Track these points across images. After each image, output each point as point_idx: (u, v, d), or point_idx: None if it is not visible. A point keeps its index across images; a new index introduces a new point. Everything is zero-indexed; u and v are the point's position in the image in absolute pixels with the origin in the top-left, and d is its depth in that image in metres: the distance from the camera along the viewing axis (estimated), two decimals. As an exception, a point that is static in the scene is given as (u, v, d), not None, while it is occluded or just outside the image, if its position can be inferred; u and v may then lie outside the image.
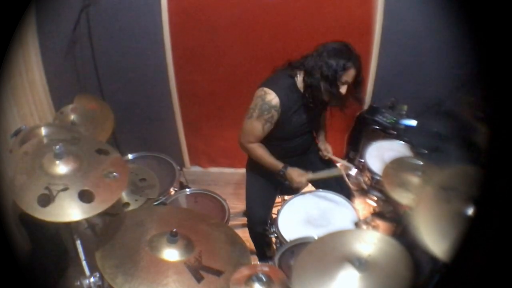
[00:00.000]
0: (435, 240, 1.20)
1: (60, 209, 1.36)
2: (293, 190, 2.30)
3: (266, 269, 1.40)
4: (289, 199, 2.13)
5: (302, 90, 1.99)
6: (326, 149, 2.26)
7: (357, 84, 1.95)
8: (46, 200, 1.37)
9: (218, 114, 3.02)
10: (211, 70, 2.85)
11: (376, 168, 2.31)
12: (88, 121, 2.23)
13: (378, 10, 2.57)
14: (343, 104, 2.02)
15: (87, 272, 1.58)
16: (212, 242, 1.59)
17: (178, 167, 2.41)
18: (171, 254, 1.45)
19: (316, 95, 1.94)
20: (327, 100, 1.97)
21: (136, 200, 1.90)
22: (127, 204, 1.88)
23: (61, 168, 1.47)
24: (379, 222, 2.26)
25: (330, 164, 2.30)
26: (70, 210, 1.37)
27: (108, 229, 1.55)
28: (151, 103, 3.00)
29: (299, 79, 1.99)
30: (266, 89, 1.95)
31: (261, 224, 2.13)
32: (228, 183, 3.18)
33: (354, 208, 2.04)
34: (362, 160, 2.47)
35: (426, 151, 2.28)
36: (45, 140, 1.66)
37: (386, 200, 2.29)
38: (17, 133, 1.91)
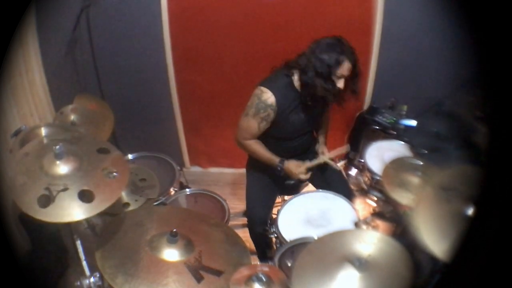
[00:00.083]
0: (435, 240, 1.20)
1: (60, 210, 1.36)
2: (293, 189, 2.31)
3: (266, 269, 1.40)
4: (289, 199, 2.13)
5: (299, 89, 1.99)
6: (323, 152, 2.22)
7: (354, 77, 1.94)
8: (46, 200, 1.37)
9: (218, 114, 3.02)
10: (211, 70, 2.85)
11: (376, 168, 2.31)
12: (88, 121, 2.23)
13: (378, 10, 2.57)
14: (341, 99, 2.01)
15: (87, 272, 1.58)
16: (212, 242, 1.59)
17: (178, 167, 2.41)
18: (171, 254, 1.45)
19: (312, 92, 1.94)
20: (324, 97, 1.95)
21: (136, 200, 1.90)
22: (127, 204, 1.88)
23: (61, 168, 1.47)
24: (379, 222, 2.26)
25: (329, 167, 2.30)
26: (70, 210, 1.37)
27: (108, 229, 1.55)
28: (151, 103, 3.00)
29: (296, 78, 1.99)
30: (262, 88, 1.97)
31: (261, 224, 2.13)
32: (228, 183, 3.18)
33: (354, 208, 2.04)
34: (362, 160, 2.48)
35: (426, 151, 2.28)
36: (45, 141, 1.65)
37: (386, 200, 2.28)
38: (17, 133, 1.91)
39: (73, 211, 1.37)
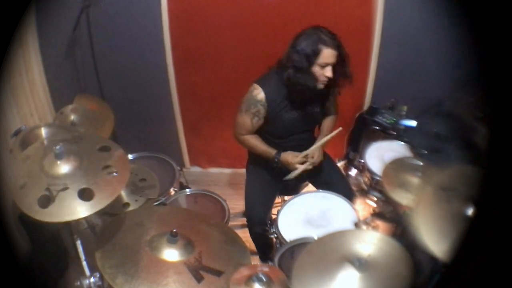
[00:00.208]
0: (435, 240, 1.20)
1: (60, 209, 1.36)
2: (293, 189, 2.32)
3: (266, 269, 1.41)
4: (289, 200, 2.13)
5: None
6: (311, 153, 2.12)
7: (341, 62, 1.93)
8: (46, 201, 1.37)
9: (218, 114, 3.02)
10: (211, 70, 2.85)
11: (376, 169, 2.31)
12: (88, 121, 2.22)
13: (378, 10, 2.57)
14: (335, 86, 2.02)
15: (87, 272, 1.58)
16: (212, 242, 1.59)
17: (178, 168, 2.41)
18: (171, 254, 1.45)
19: (295, 88, 1.94)
20: (306, 90, 1.93)
21: (136, 201, 1.90)
22: (127, 204, 1.88)
23: (62, 168, 1.47)
24: (379, 223, 2.26)
25: (326, 166, 2.30)
26: (70, 209, 1.37)
27: (108, 229, 1.55)
28: (151, 103, 3.00)
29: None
30: (254, 84, 2.01)
31: (260, 225, 2.13)
32: (228, 184, 3.18)
33: (354, 209, 2.04)
34: (362, 161, 2.48)
35: (426, 152, 2.28)
36: (45, 142, 1.66)
37: (386, 200, 2.29)
38: (17, 133, 1.91)
39: (73, 210, 1.37)
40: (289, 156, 2.07)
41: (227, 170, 3.30)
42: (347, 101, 2.37)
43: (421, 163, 1.99)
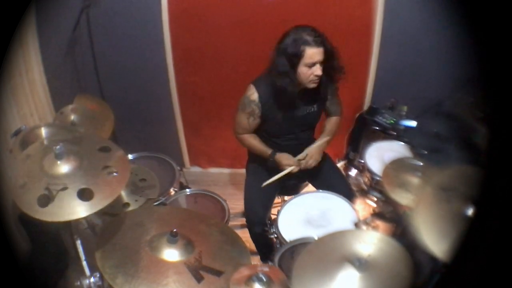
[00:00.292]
0: (435, 240, 1.20)
1: (60, 209, 1.36)
2: (293, 189, 2.31)
3: (266, 269, 1.40)
4: (289, 200, 2.13)
5: None
6: (309, 155, 2.11)
7: (329, 57, 1.91)
8: (45, 200, 1.37)
9: (218, 114, 3.02)
10: (211, 70, 2.85)
11: (376, 169, 2.31)
12: (88, 121, 2.23)
13: (378, 10, 2.57)
14: (331, 81, 2.02)
15: (87, 272, 1.58)
16: (212, 242, 1.59)
17: (178, 168, 2.41)
18: (171, 254, 1.45)
19: (278, 91, 1.95)
20: (289, 93, 1.93)
21: (136, 201, 1.90)
22: (127, 204, 1.88)
23: (62, 168, 1.47)
24: (379, 223, 2.26)
25: (326, 166, 2.30)
26: (70, 209, 1.37)
27: (108, 229, 1.55)
28: (151, 103, 3.00)
29: None
30: (250, 85, 2.03)
31: (260, 225, 2.13)
32: (228, 184, 3.18)
33: (354, 209, 2.04)
34: (362, 161, 2.48)
35: (426, 152, 2.28)
36: (46, 142, 1.66)
37: (386, 200, 2.29)
38: (17, 133, 1.91)
39: (72, 209, 1.37)
40: (282, 158, 2.08)
41: (227, 170, 3.30)
42: (347, 101, 2.37)
43: (421, 163, 1.99)
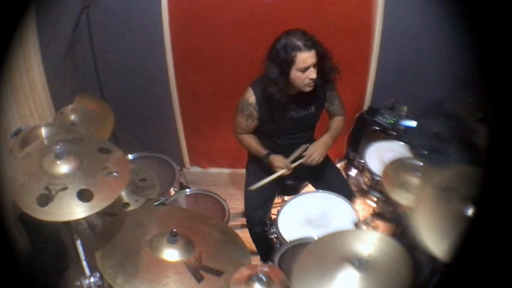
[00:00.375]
0: (435, 240, 1.20)
1: (59, 209, 1.36)
2: (293, 189, 2.31)
3: (266, 269, 1.40)
4: (289, 200, 2.13)
5: None
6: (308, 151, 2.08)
7: (322, 58, 1.91)
8: (45, 200, 1.37)
9: (218, 114, 3.02)
10: (211, 70, 2.85)
11: (376, 169, 2.31)
12: (88, 121, 2.23)
13: (378, 10, 2.57)
14: (329, 82, 2.03)
15: (87, 272, 1.58)
16: (212, 242, 1.59)
17: (178, 168, 2.41)
18: (171, 254, 1.45)
19: (270, 98, 1.96)
20: (280, 101, 1.95)
21: (136, 200, 1.90)
22: (127, 204, 1.88)
23: (62, 168, 1.47)
24: (379, 223, 2.26)
25: (326, 166, 2.31)
26: (69, 210, 1.37)
27: (108, 229, 1.55)
28: (151, 103, 3.00)
29: None
30: (249, 87, 2.05)
31: (260, 225, 2.13)
32: (228, 184, 3.18)
33: (354, 209, 2.04)
34: (362, 161, 2.48)
35: (426, 152, 2.28)
36: (46, 141, 1.66)
37: (386, 200, 2.29)
38: (17, 133, 1.91)
39: (72, 210, 1.37)
40: (275, 160, 2.07)
41: (227, 170, 3.30)
42: (347, 101, 2.36)
43: (421, 163, 1.99)
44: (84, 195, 1.42)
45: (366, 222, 2.12)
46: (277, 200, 2.37)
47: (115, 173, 1.50)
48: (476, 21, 0.87)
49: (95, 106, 2.35)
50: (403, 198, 1.83)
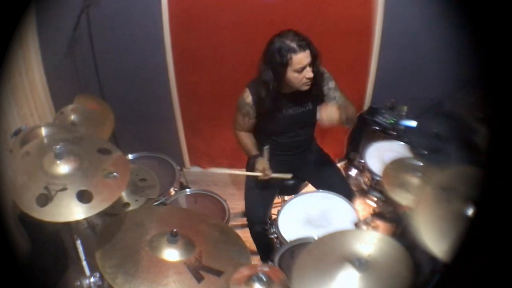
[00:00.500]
0: (435, 240, 1.20)
1: (58, 209, 1.36)
2: (293, 189, 2.31)
3: (266, 269, 1.40)
4: (289, 200, 2.13)
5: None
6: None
7: (315, 58, 1.91)
8: (44, 200, 1.37)
9: (218, 114, 3.02)
10: (211, 70, 2.85)
11: (376, 169, 2.31)
12: (88, 121, 2.23)
13: (378, 10, 2.57)
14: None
15: (87, 272, 1.58)
16: (212, 242, 1.59)
17: (178, 168, 2.41)
18: (171, 254, 1.45)
19: (261, 99, 1.99)
20: (262, 100, 1.97)
21: (136, 200, 1.90)
22: (127, 204, 1.88)
23: (62, 168, 1.47)
24: (379, 223, 2.26)
25: (327, 166, 2.30)
26: (68, 210, 1.37)
27: (108, 229, 1.55)
28: (151, 103, 3.00)
29: None
30: (246, 88, 2.07)
31: (260, 224, 2.13)
32: (228, 183, 3.18)
33: (354, 209, 2.04)
34: (362, 161, 2.47)
35: (426, 152, 2.28)
36: (46, 140, 1.66)
37: (386, 200, 2.29)
38: (17, 133, 1.91)
39: (71, 211, 1.37)
40: (258, 163, 2.10)
41: (227, 170, 3.30)
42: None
43: (421, 163, 1.99)
44: (84, 196, 1.41)
45: (366, 222, 2.11)
46: (277, 200, 2.37)
47: (115, 174, 1.50)
48: (476, 21, 0.87)
49: (95, 106, 2.35)
50: (403, 198, 1.83)
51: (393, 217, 2.25)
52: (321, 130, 2.28)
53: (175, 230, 1.46)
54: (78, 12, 2.54)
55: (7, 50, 1.19)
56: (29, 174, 1.44)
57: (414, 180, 1.90)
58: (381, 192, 2.30)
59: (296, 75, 1.90)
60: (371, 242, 1.38)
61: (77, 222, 1.60)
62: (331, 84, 2.09)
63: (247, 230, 2.23)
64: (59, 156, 1.47)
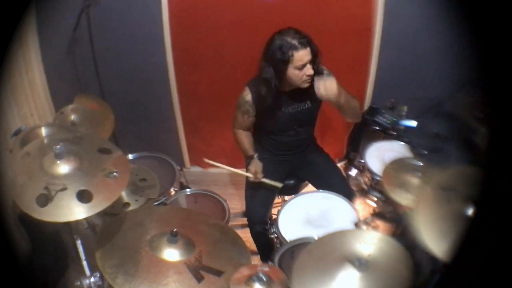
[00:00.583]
0: (435, 240, 1.20)
1: (59, 209, 1.36)
2: (293, 189, 2.31)
3: (266, 269, 1.41)
4: (289, 199, 2.13)
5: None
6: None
7: (315, 56, 1.92)
8: (44, 200, 1.37)
9: (218, 114, 3.01)
10: (211, 70, 2.85)
11: (376, 169, 2.31)
12: (88, 121, 2.23)
13: (378, 10, 2.57)
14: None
15: (87, 272, 1.58)
16: (212, 242, 1.59)
17: (178, 167, 2.41)
18: (171, 254, 1.45)
19: (262, 100, 2.00)
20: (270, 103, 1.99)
21: (136, 200, 1.90)
22: (128, 204, 1.88)
23: (62, 168, 1.47)
24: (379, 223, 2.26)
25: (327, 166, 2.30)
26: (68, 210, 1.37)
27: (108, 229, 1.55)
28: (151, 103, 3.00)
29: None
30: (246, 86, 2.09)
31: (261, 223, 2.14)
32: (228, 183, 3.18)
33: (354, 209, 2.04)
34: (362, 161, 2.47)
35: (426, 152, 2.28)
36: (46, 140, 1.66)
37: (386, 200, 2.28)
38: (17, 133, 1.91)
39: (71, 211, 1.37)
40: (252, 164, 2.15)
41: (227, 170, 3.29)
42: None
43: (421, 163, 1.99)
44: (84, 196, 1.41)
45: (366, 222, 2.11)
46: (277, 200, 2.37)
47: (115, 173, 1.50)
48: (476, 21, 0.87)
49: (95, 106, 2.35)
50: (403, 198, 1.83)
51: (393, 217, 2.25)
52: (321, 130, 2.28)
53: (175, 230, 1.46)
54: (78, 12, 2.54)
55: (7, 50, 1.19)
56: (29, 174, 1.44)
57: (414, 180, 1.90)
58: (381, 192, 2.30)
59: (296, 72, 1.91)
60: (371, 242, 1.38)
61: (77, 222, 1.60)
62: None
63: (247, 230, 2.23)
64: (59, 156, 1.47)
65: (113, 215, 1.70)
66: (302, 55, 1.87)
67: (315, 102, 2.15)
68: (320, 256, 1.40)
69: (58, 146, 1.47)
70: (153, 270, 1.39)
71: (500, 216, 0.82)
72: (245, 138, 2.23)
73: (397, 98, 2.76)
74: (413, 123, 2.63)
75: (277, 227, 1.96)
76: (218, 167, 2.19)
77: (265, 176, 2.16)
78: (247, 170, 2.17)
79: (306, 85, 1.97)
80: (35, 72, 2.55)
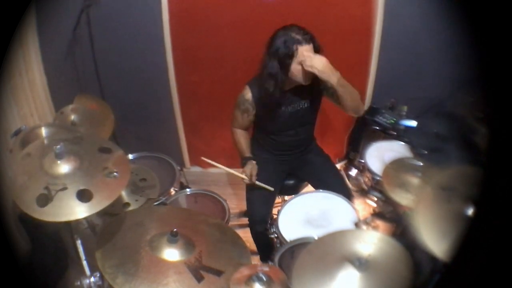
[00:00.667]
0: (435, 240, 1.20)
1: (59, 209, 1.36)
2: (293, 189, 2.31)
3: (266, 269, 1.40)
4: (289, 199, 2.13)
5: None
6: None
7: (317, 51, 1.93)
8: (45, 200, 1.37)
9: (218, 114, 3.01)
10: (212, 70, 2.85)
11: (376, 169, 2.31)
12: (88, 121, 2.23)
13: (378, 10, 2.57)
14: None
15: (87, 272, 1.58)
16: (212, 242, 1.59)
17: (178, 167, 2.41)
18: (171, 254, 1.45)
19: (265, 94, 2.00)
20: (273, 98, 1.98)
21: (136, 200, 1.90)
22: (128, 204, 1.88)
23: (62, 167, 1.47)
24: (379, 223, 2.26)
25: (326, 166, 2.30)
26: (68, 210, 1.37)
27: (108, 229, 1.55)
28: (151, 103, 3.00)
29: None
30: (246, 85, 2.10)
31: (262, 223, 2.14)
32: (228, 183, 3.17)
33: (354, 209, 2.04)
34: (362, 161, 2.48)
35: (426, 152, 2.28)
36: (46, 141, 1.66)
37: (386, 200, 2.29)
38: (17, 133, 1.91)
39: (71, 210, 1.37)
40: (247, 166, 2.16)
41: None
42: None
43: (421, 163, 1.99)
44: (84, 195, 1.41)
45: (366, 222, 2.11)
46: (277, 200, 2.37)
47: (115, 173, 1.50)
48: (476, 21, 0.87)
49: (95, 106, 2.35)
50: (403, 198, 1.83)
51: (393, 217, 2.25)
52: (321, 130, 2.28)
53: (175, 230, 1.46)
54: (78, 12, 2.54)
55: (7, 50, 1.19)
56: (29, 174, 1.44)
57: (414, 180, 1.90)
58: (381, 192, 2.30)
59: (300, 67, 1.92)
60: (371, 242, 1.38)
61: (77, 222, 1.60)
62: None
63: (247, 230, 2.23)
64: (59, 156, 1.47)
65: (113, 215, 1.70)
66: (306, 50, 1.88)
67: (316, 101, 2.15)
68: (320, 256, 1.40)
69: (58, 146, 1.47)
70: (153, 270, 1.39)
71: (500, 216, 0.82)
72: (243, 138, 2.25)
73: (397, 98, 2.76)
74: (413, 123, 2.63)
75: (277, 227, 1.96)
76: (215, 166, 2.18)
77: (266, 176, 2.16)
78: (242, 172, 2.16)
79: (308, 81, 1.97)
80: (35, 72, 2.55)
